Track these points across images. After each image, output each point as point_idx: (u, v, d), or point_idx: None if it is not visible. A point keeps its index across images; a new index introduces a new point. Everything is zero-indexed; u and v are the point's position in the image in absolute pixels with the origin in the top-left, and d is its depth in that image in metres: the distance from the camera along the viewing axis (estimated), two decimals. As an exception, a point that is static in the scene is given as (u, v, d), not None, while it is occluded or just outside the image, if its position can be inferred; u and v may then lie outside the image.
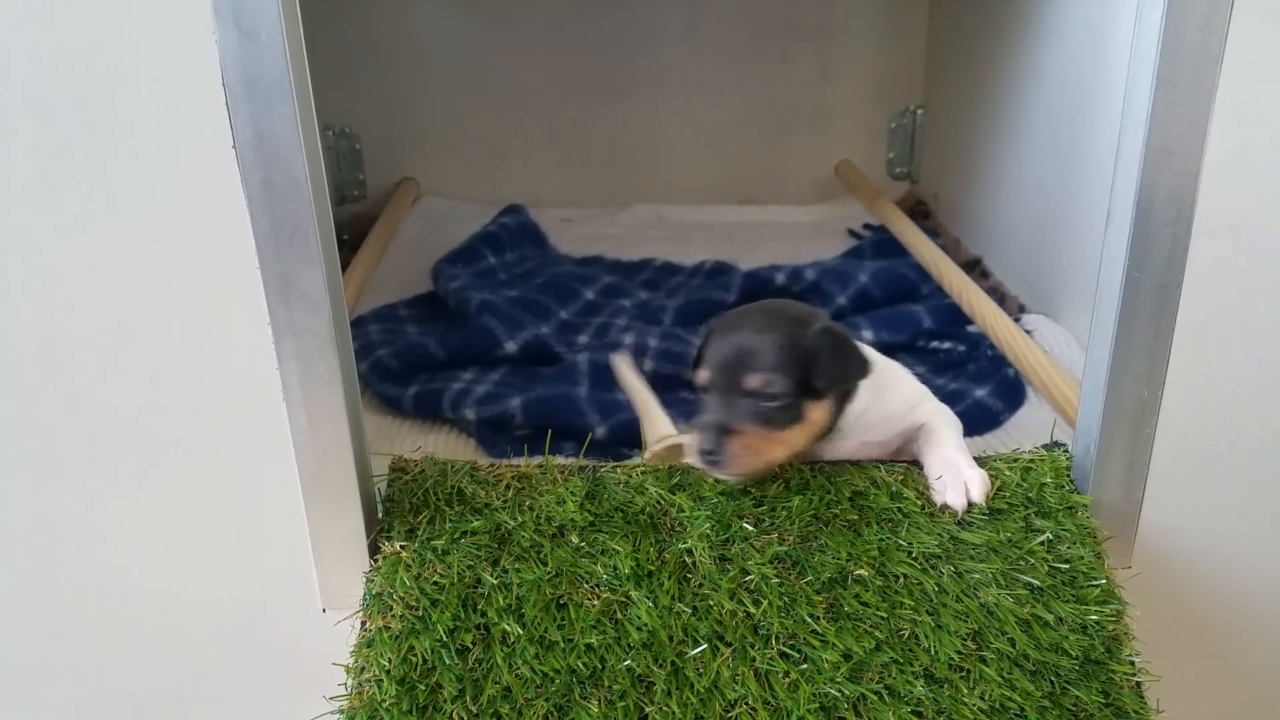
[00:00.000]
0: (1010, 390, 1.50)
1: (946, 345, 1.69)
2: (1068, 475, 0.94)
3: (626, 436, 1.45)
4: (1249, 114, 0.82)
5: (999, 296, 1.77)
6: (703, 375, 0.93)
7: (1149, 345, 0.87)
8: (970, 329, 1.69)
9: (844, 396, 0.95)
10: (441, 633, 0.83)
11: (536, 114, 2.24)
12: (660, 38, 2.21)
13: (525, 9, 2.17)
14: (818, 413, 0.93)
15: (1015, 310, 1.74)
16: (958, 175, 2.09)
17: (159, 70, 0.79)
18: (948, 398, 1.48)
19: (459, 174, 2.26)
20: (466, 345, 1.65)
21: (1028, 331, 1.59)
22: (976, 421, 1.39)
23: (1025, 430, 1.41)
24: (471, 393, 1.53)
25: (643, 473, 0.96)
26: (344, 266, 1.86)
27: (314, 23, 0.84)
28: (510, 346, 1.65)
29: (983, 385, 1.53)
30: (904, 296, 1.83)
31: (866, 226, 2.14)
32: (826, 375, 0.91)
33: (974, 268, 1.93)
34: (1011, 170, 1.85)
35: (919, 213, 2.21)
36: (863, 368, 0.93)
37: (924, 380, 1.58)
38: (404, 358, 1.61)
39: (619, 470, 0.96)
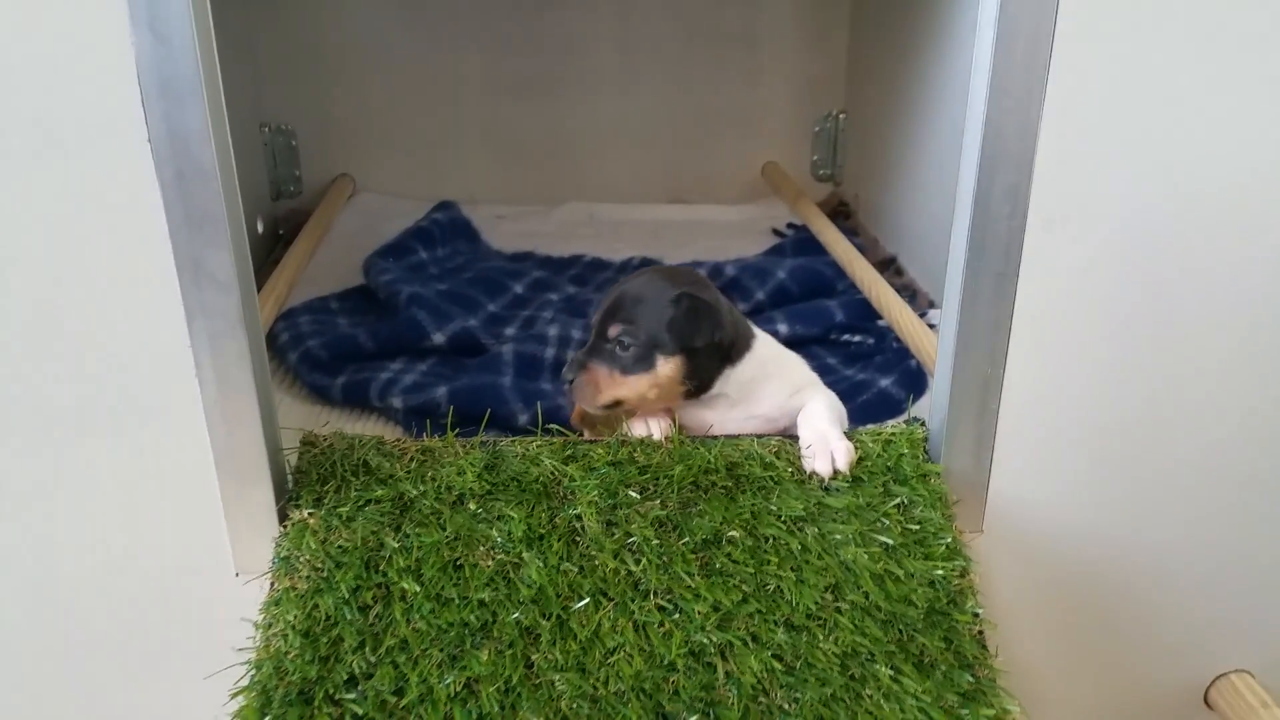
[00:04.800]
0: (912, 380, 1.60)
1: (857, 338, 1.79)
2: (923, 446, 1.05)
3: (547, 424, 1.54)
4: (1075, 118, 0.93)
5: (911, 293, 1.88)
6: (590, 327, 1.09)
7: (990, 328, 0.98)
8: (879, 323, 1.80)
9: (721, 361, 1.05)
10: (344, 591, 0.91)
11: (472, 112, 2.31)
12: (593, 39, 2.30)
13: (461, 8, 2.25)
14: (668, 367, 1.04)
15: (925, 305, 1.85)
16: (877, 177, 2.20)
17: (78, 70, 0.87)
18: (855, 387, 1.59)
19: (395, 171, 2.33)
20: (395, 336, 1.72)
21: (932, 326, 1.70)
22: (881, 409, 1.49)
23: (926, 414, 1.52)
24: (399, 382, 1.60)
25: (538, 446, 1.04)
26: (278, 261, 1.94)
27: (250, 20, 0.92)
28: (438, 338, 1.72)
29: (888, 375, 1.63)
30: (819, 292, 1.93)
31: (790, 226, 2.25)
32: (675, 335, 1.03)
33: (889, 265, 2.04)
34: (925, 173, 1.96)
35: (841, 213, 2.32)
36: (715, 333, 1.05)
37: (834, 370, 1.69)
38: (333, 348, 1.67)
39: (517, 444, 1.05)
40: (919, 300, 1.87)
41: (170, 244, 0.91)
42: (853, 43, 2.31)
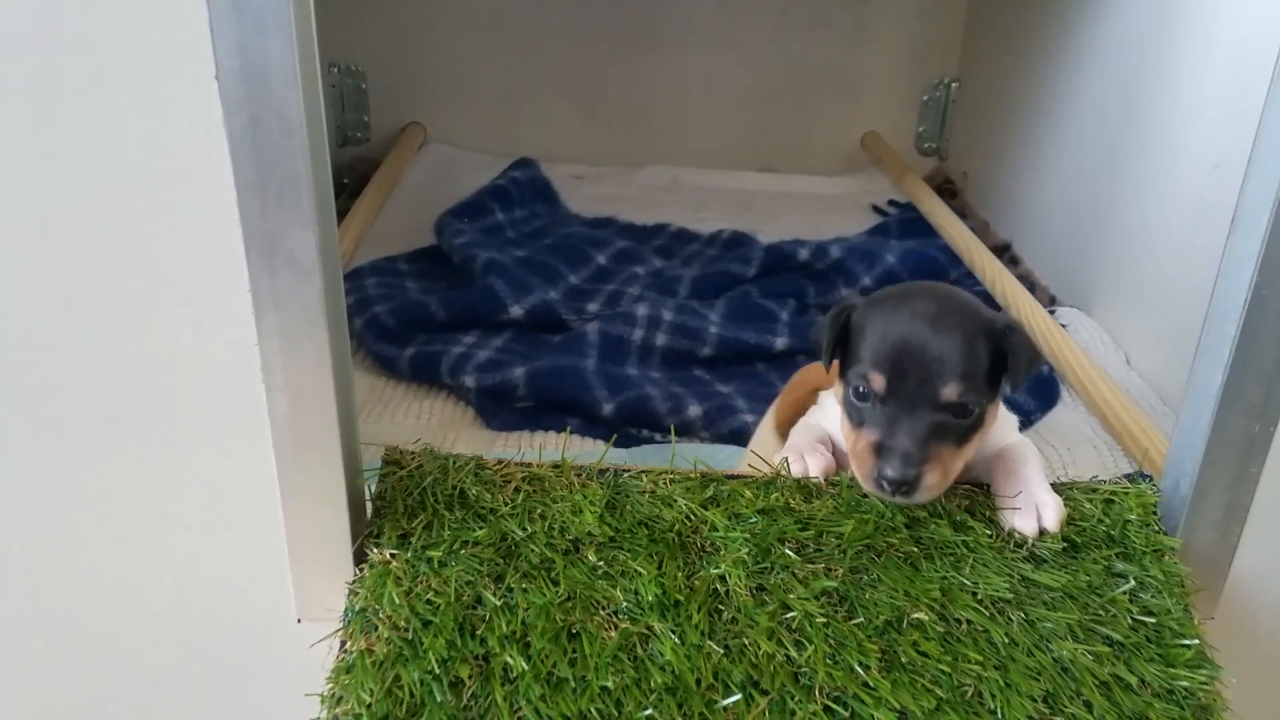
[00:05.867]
0: (1044, 389, 1.36)
1: (976, 336, 1.55)
2: (1154, 513, 0.81)
3: (634, 415, 1.31)
4: None
5: (1029, 285, 1.63)
6: (876, 380, 0.76)
7: (1268, 375, 0.73)
8: (1002, 319, 1.55)
9: None
10: (433, 662, 0.69)
11: (553, 62, 2.05)
12: (688, -12, 2.03)
13: (547, -50, 1.99)
14: (991, 415, 0.79)
15: (1046, 301, 1.60)
16: (990, 154, 1.93)
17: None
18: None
19: (468, 121, 2.08)
20: (469, 307, 1.50)
21: (1062, 326, 1.46)
22: (1006, 423, 1.26)
23: (1058, 432, 1.28)
24: (472, 358, 1.38)
25: (671, 481, 0.81)
26: (342, 214, 1.70)
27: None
28: (516, 311, 1.50)
29: (1015, 383, 1.39)
30: (933, 280, 1.69)
31: (892, 203, 1.99)
32: (1018, 375, 0.77)
33: (1003, 253, 1.78)
34: (1050, 152, 1.70)
35: (946, 191, 2.05)
36: (1038, 366, 0.81)
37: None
38: (402, 316, 1.46)
39: (644, 478, 0.82)
40: (1038, 295, 1.62)
41: (238, 214, 0.67)
42: (973, 5, 2.01)
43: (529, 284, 1.55)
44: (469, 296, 1.51)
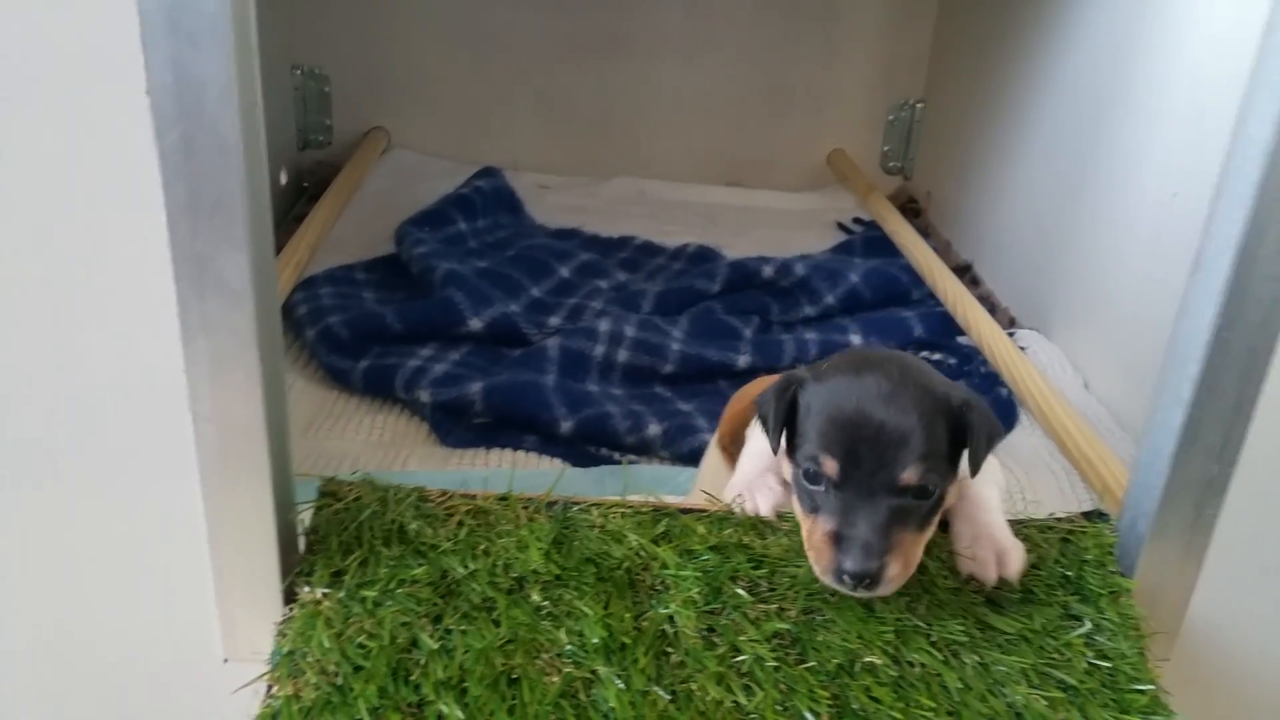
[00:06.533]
0: (1003, 411, 1.34)
1: (937, 356, 1.53)
2: (1111, 554, 0.78)
3: (593, 433, 1.28)
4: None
5: (989, 307, 1.61)
6: (829, 465, 0.70)
7: (1228, 416, 0.71)
8: (962, 340, 1.53)
9: None
10: (363, 710, 0.64)
11: (521, 71, 2.01)
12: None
13: (516, -43, 1.94)
14: (953, 494, 0.74)
15: (1006, 323, 1.58)
16: (954, 175, 1.92)
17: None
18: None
19: (433, 128, 2.03)
20: (427, 318, 1.45)
21: (1020, 348, 1.44)
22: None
23: (1016, 456, 1.25)
24: (429, 372, 1.34)
25: (623, 515, 0.77)
26: (300, 219, 1.65)
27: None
28: (475, 323, 1.45)
29: (975, 404, 1.36)
30: (894, 300, 1.66)
31: (857, 221, 1.97)
32: (978, 454, 0.71)
33: (964, 274, 1.76)
34: (1013, 174, 1.68)
35: (909, 210, 2.03)
36: (996, 442, 0.74)
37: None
38: (356, 327, 1.41)
39: (594, 510, 0.78)
40: (998, 317, 1.60)
41: (167, 235, 0.63)
42: (940, 26, 2.00)
43: (489, 296, 1.50)
44: (427, 308, 1.47)
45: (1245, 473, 0.73)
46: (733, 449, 0.92)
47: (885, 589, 0.69)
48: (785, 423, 0.74)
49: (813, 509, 0.72)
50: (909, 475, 0.69)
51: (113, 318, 0.65)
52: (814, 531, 0.71)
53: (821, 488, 0.71)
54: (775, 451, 0.76)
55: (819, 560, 0.71)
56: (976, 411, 0.72)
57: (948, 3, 1.97)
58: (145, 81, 0.60)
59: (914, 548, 0.70)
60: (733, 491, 0.80)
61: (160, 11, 0.58)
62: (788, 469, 0.77)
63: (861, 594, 0.71)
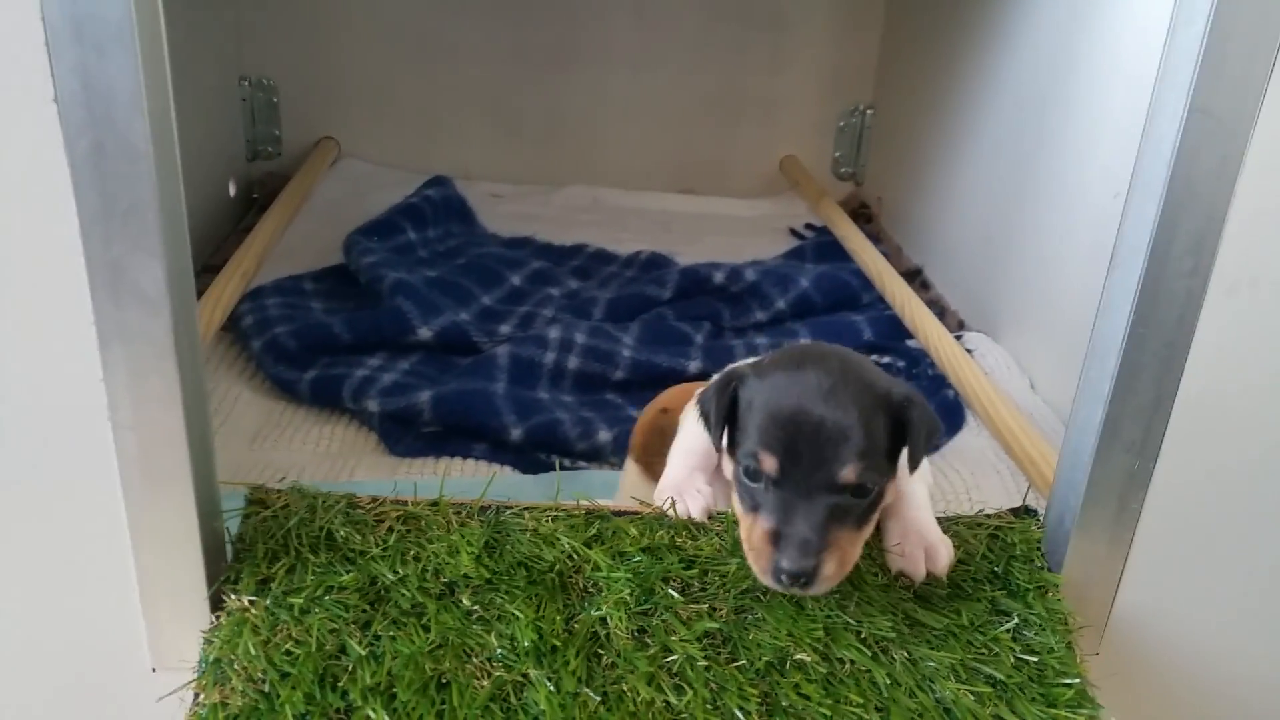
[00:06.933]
0: (949, 413, 1.36)
1: (885, 359, 1.55)
2: (1039, 549, 0.79)
3: (543, 439, 1.27)
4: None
5: (938, 310, 1.63)
6: (768, 462, 0.69)
7: (1147, 412, 0.72)
8: (910, 344, 1.55)
9: None
10: (289, 717, 0.64)
11: (471, 79, 2.01)
12: (608, 8, 2.00)
13: (466, -34, 1.94)
14: (891, 492, 0.74)
15: (954, 326, 1.61)
16: (904, 180, 1.94)
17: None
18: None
19: (384, 137, 2.02)
20: (375, 328, 1.44)
21: (968, 351, 1.46)
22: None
23: (963, 457, 1.27)
24: (377, 381, 1.33)
25: (555, 518, 0.77)
26: (249, 229, 1.64)
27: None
28: (424, 332, 1.45)
29: (921, 406, 1.38)
30: (844, 304, 1.68)
31: (809, 226, 1.98)
32: (918, 450, 0.71)
33: (914, 278, 1.78)
34: (961, 179, 1.71)
35: (861, 216, 2.05)
36: (938, 439, 0.74)
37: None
38: (303, 338, 1.40)
39: (527, 514, 0.78)
40: (948, 320, 1.62)
41: (81, 244, 0.62)
42: (887, 33, 2.03)
43: (439, 305, 1.50)
44: (375, 318, 1.46)
45: (1167, 467, 0.75)
46: (645, 459, 0.92)
47: (820, 588, 0.69)
48: (726, 419, 0.74)
49: (752, 507, 0.71)
50: (848, 473, 0.68)
51: (29, 326, 0.64)
52: (753, 530, 0.71)
53: (761, 485, 0.71)
54: (717, 448, 0.76)
55: (757, 561, 0.70)
56: (917, 408, 0.72)
57: (895, 10, 2.00)
58: (53, 89, 0.60)
59: (851, 546, 0.70)
60: (663, 495, 0.80)
61: (65, 20, 0.58)
62: (728, 466, 0.77)
63: (797, 592, 0.71)
